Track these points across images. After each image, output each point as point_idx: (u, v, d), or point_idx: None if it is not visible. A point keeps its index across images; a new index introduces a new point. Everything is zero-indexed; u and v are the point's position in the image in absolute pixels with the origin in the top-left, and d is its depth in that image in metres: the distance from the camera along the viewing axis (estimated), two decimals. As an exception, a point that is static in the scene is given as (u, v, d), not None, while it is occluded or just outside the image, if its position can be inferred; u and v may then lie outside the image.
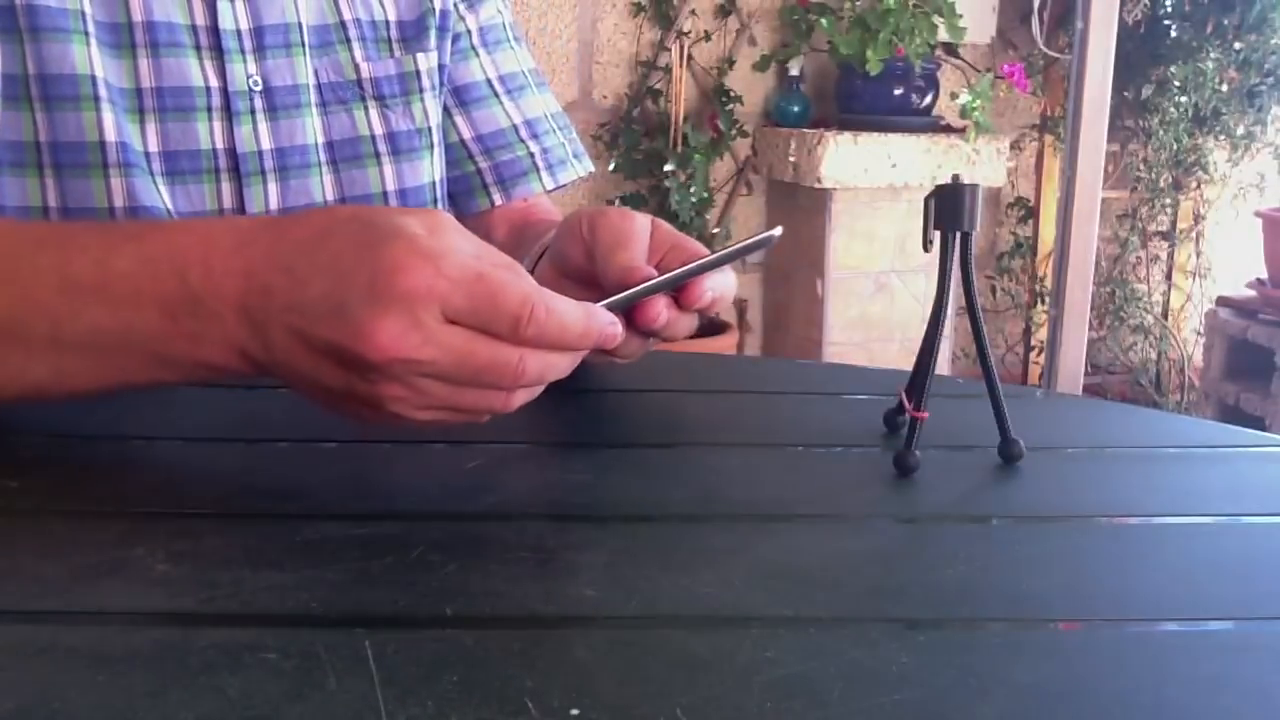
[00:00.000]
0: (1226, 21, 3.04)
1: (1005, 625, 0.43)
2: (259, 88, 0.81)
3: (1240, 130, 3.15)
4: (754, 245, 0.63)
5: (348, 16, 0.86)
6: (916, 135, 2.89)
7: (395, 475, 0.58)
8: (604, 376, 0.75)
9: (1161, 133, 3.11)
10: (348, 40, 0.86)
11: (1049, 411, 0.78)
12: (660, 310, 0.61)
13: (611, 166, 2.98)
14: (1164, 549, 0.52)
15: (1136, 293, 3.34)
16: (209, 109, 0.79)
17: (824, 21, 2.83)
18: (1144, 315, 3.34)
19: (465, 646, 0.39)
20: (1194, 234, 3.37)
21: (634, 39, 3.04)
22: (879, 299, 2.96)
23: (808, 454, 0.64)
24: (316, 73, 0.84)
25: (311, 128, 0.84)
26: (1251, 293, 3.09)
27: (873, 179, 2.85)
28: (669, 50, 3.00)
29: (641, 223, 0.65)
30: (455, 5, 0.93)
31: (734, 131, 3.00)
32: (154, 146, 0.78)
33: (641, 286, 0.60)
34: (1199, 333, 3.35)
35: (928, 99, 2.98)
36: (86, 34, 0.75)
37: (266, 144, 0.82)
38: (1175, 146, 3.14)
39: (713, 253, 0.62)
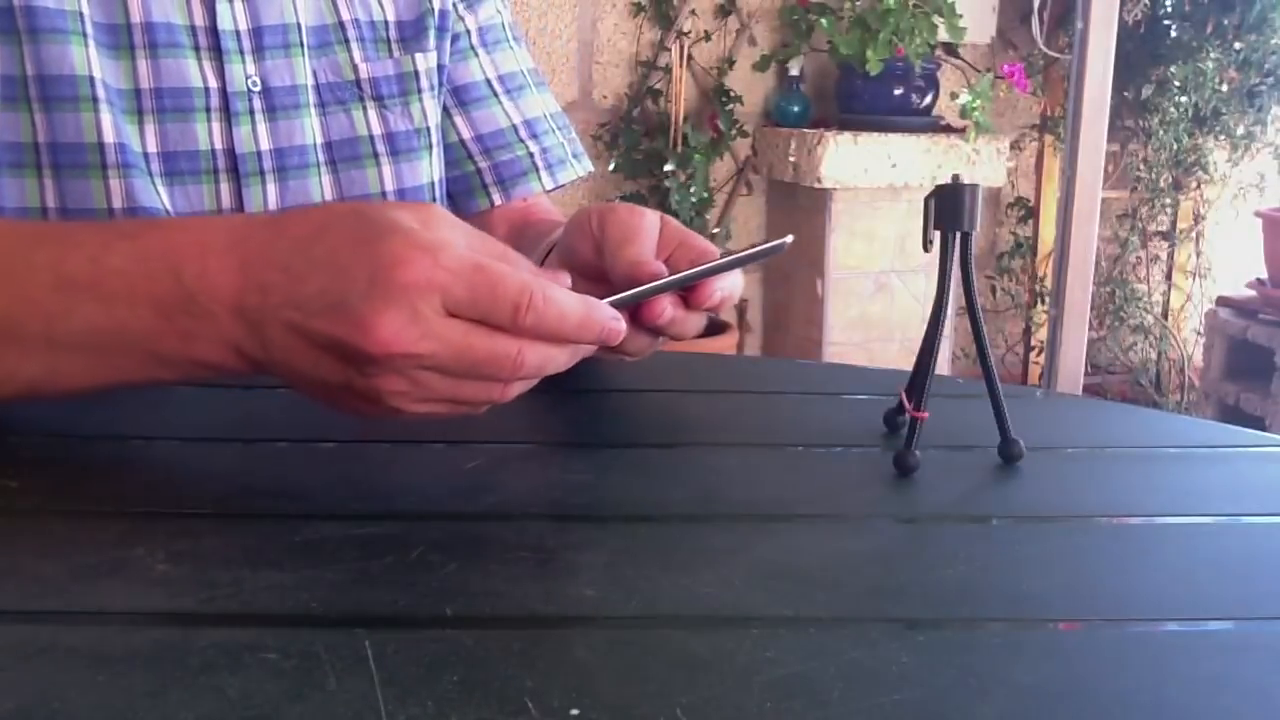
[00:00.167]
0: (1226, 21, 3.04)
1: (1005, 625, 0.43)
2: (258, 88, 0.81)
3: (1240, 130, 3.15)
4: (765, 251, 0.63)
5: (346, 17, 0.86)
6: (916, 135, 2.89)
7: (395, 475, 0.58)
8: (604, 376, 0.75)
9: (1161, 133, 3.11)
10: (346, 41, 0.86)
11: (1049, 411, 0.78)
12: (665, 307, 0.61)
13: (611, 166, 2.98)
14: (1164, 549, 0.52)
15: (1136, 293, 3.34)
16: (208, 110, 0.79)
17: (824, 21, 2.83)
18: (1144, 315, 3.34)
19: (465, 646, 0.39)
20: (1194, 234, 3.37)
21: (634, 39, 3.04)
22: (879, 299, 2.96)
23: (808, 454, 0.64)
24: (315, 73, 0.84)
25: (310, 128, 0.84)
26: (1251, 293, 3.09)
27: (873, 179, 2.85)
28: (669, 50, 3.00)
29: (651, 219, 0.65)
30: (454, 5, 0.93)
31: (734, 131, 3.01)
32: (153, 147, 0.78)
33: (650, 285, 0.60)
34: (1199, 333, 3.35)
35: (928, 99, 2.98)
36: (85, 35, 0.75)
37: (265, 144, 0.82)
38: (1175, 146, 3.14)
39: (722, 255, 0.63)
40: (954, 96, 2.97)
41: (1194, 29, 3.07)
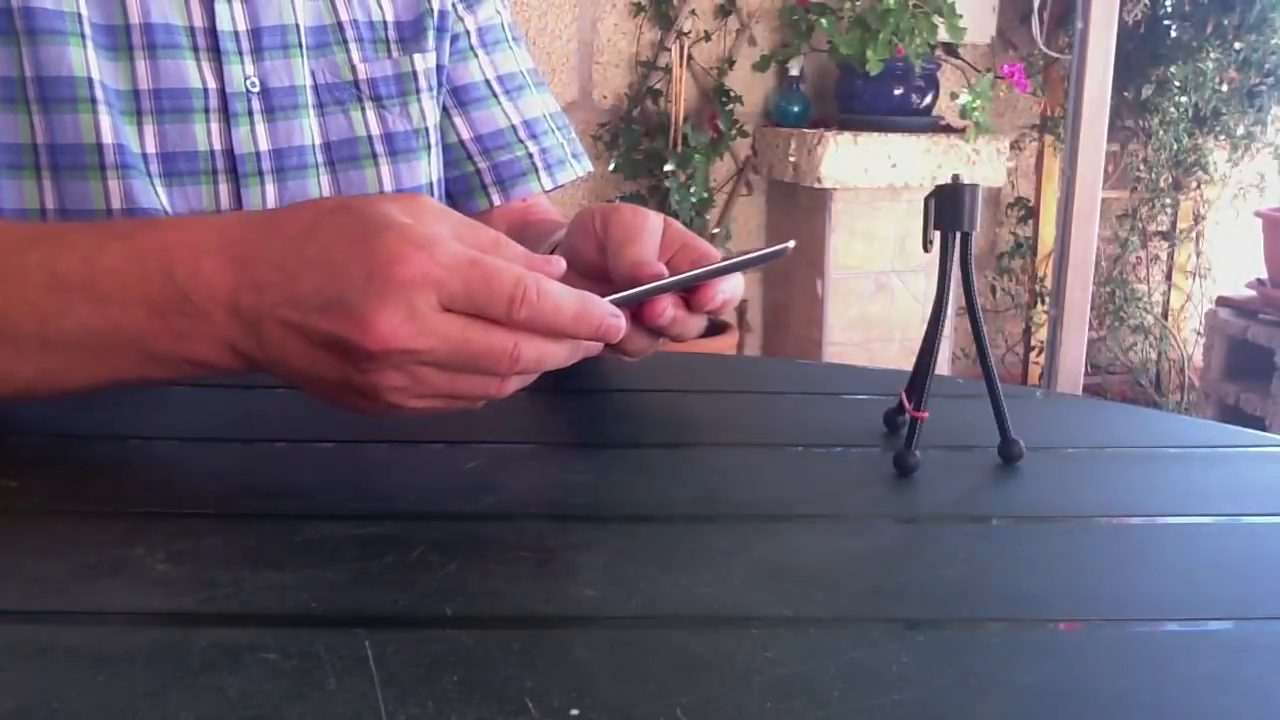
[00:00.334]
0: (1226, 21, 3.04)
1: (1005, 625, 0.43)
2: (256, 89, 0.81)
3: (1240, 130, 3.15)
4: (767, 256, 0.63)
5: (345, 17, 0.86)
6: (916, 135, 2.89)
7: (395, 475, 0.58)
8: (604, 376, 0.75)
9: (1161, 133, 3.11)
10: (345, 41, 0.86)
11: (1049, 411, 0.78)
12: (666, 308, 0.61)
13: (611, 166, 2.98)
14: (1164, 549, 0.52)
15: (1136, 293, 3.34)
16: (206, 110, 0.79)
17: (824, 21, 2.83)
18: (1144, 315, 3.34)
19: (465, 646, 0.39)
20: (1194, 234, 3.37)
21: (634, 39, 3.04)
22: (879, 299, 2.96)
23: (808, 454, 0.64)
24: (313, 74, 0.84)
25: (309, 129, 0.84)
26: (1251, 293, 3.09)
27: (873, 179, 2.85)
28: (669, 50, 3.00)
29: (654, 220, 0.66)
30: (454, 5, 0.93)
31: (734, 131, 3.00)
32: (151, 148, 0.78)
33: (652, 285, 0.60)
34: (1199, 333, 3.35)
35: (928, 99, 2.98)
36: (83, 36, 0.75)
37: (264, 145, 0.82)
38: (1175, 146, 3.14)
39: (723, 258, 0.63)
40: (954, 96, 2.97)
41: (1194, 29, 3.07)
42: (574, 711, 0.35)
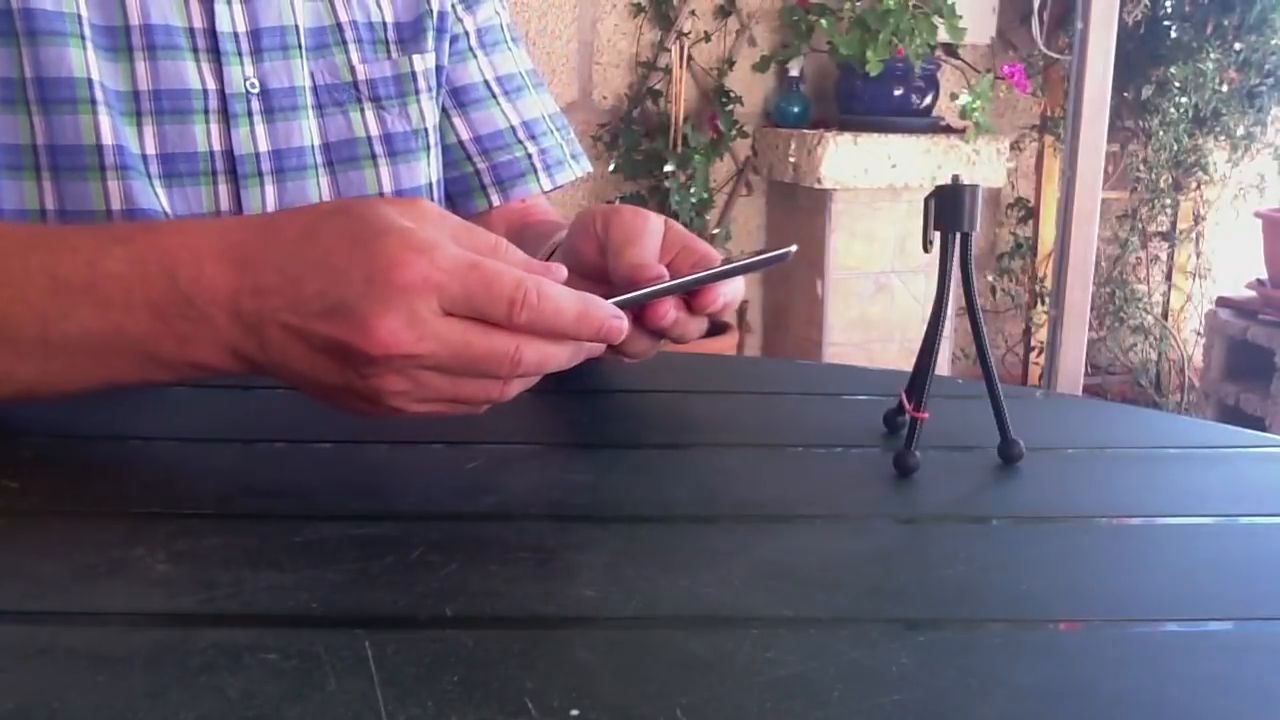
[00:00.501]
0: (1226, 22, 3.04)
1: (1005, 625, 0.43)
2: (256, 90, 0.81)
3: (1240, 131, 3.15)
4: (769, 260, 0.64)
5: (344, 18, 0.86)
6: (916, 136, 2.89)
7: (395, 475, 0.58)
8: (604, 376, 0.75)
9: (1161, 133, 3.11)
10: (344, 42, 0.86)
11: (1049, 412, 0.78)
12: (669, 310, 0.61)
13: (611, 167, 2.98)
14: (1164, 549, 0.52)
15: (1136, 293, 3.34)
16: (206, 111, 0.79)
17: (824, 22, 2.83)
18: (1144, 316, 3.34)
19: (465, 646, 0.39)
20: (1194, 234, 3.37)
21: (634, 39, 3.04)
22: (879, 299, 2.96)
23: (808, 454, 0.64)
24: (313, 75, 0.84)
25: (308, 129, 0.84)
26: (1251, 293, 3.09)
27: (873, 179, 2.85)
28: (669, 51, 3.00)
29: (655, 222, 0.66)
30: (453, 6, 0.93)
31: (734, 132, 3.01)
32: (151, 149, 0.78)
33: (654, 288, 0.61)
34: (1199, 333, 3.35)
35: (928, 99, 2.98)
36: (83, 37, 0.75)
37: (263, 146, 0.82)
38: (1175, 147, 3.14)
39: (725, 261, 0.63)
40: (954, 97, 2.97)
41: (1194, 29, 3.07)
42: (574, 711, 0.35)
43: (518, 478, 0.58)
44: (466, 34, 0.94)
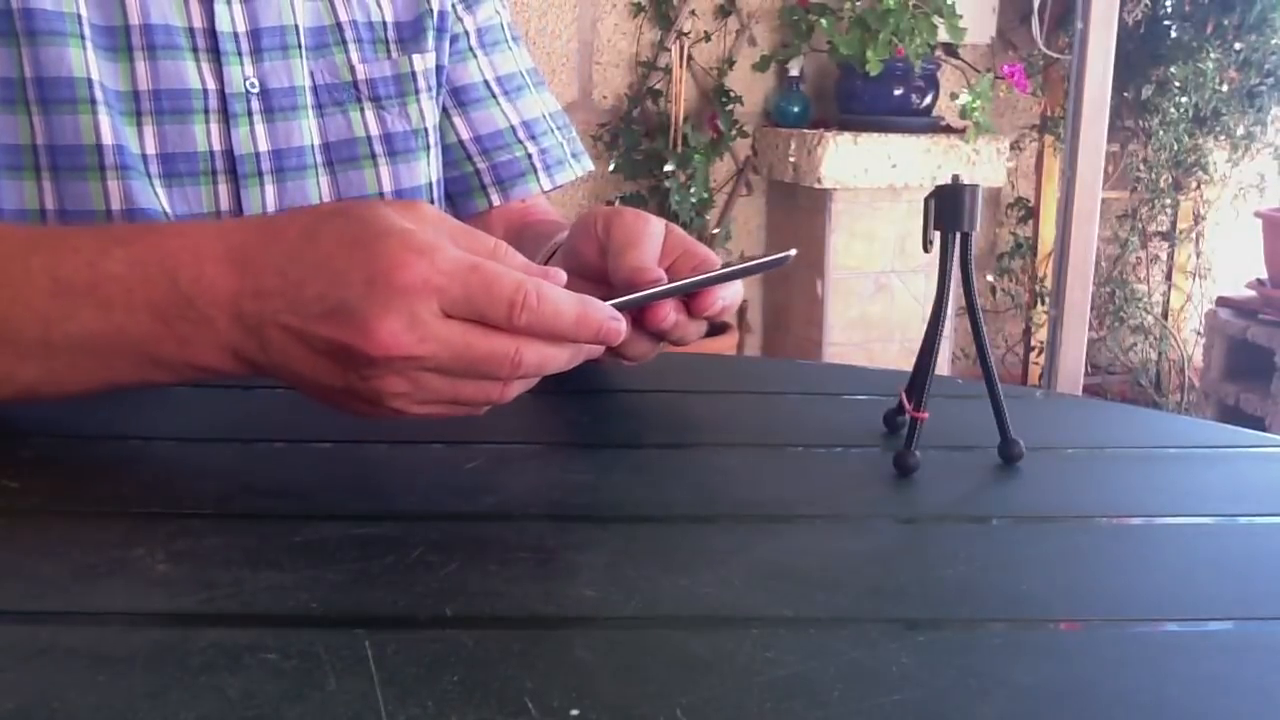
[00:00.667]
0: (1226, 22, 3.04)
1: (1005, 625, 0.43)
2: (256, 90, 0.81)
3: (1240, 130, 3.15)
4: (768, 264, 0.64)
5: (344, 18, 0.86)
6: (916, 135, 2.89)
7: (395, 475, 0.58)
8: (604, 377, 0.75)
9: (1161, 133, 3.11)
10: (344, 42, 0.86)
11: (1049, 411, 0.78)
12: (669, 313, 0.62)
13: (611, 167, 2.98)
14: (1164, 549, 0.52)
15: (1136, 293, 3.34)
16: (206, 111, 0.79)
17: (824, 22, 2.83)
18: (1144, 315, 3.34)
19: (465, 646, 0.39)
20: (1194, 234, 3.37)
21: (634, 39, 3.04)
22: (879, 299, 2.96)
23: (808, 454, 0.64)
24: (313, 74, 0.84)
25: (308, 129, 0.84)
26: (1251, 293, 3.09)
27: (873, 179, 2.85)
28: (669, 50, 3.00)
29: (655, 226, 0.66)
30: (453, 6, 0.93)
31: (734, 132, 3.01)
32: (151, 149, 0.78)
33: (653, 290, 0.61)
34: (1199, 333, 3.35)
35: (928, 99, 2.98)
36: (82, 37, 0.75)
37: (263, 146, 0.82)
38: (1175, 147, 3.14)
39: (725, 264, 0.63)
40: (954, 97, 2.97)
41: (1194, 29, 3.07)
42: (574, 711, 0.35)
43: (518, 478, 0.58)
44: (466, 34, 0.94)
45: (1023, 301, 3.33)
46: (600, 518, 0.53)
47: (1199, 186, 3.28)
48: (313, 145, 0.84)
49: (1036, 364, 3.26)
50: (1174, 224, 3.36)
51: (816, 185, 2.83)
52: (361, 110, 0.87)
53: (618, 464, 0.61)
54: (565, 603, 0.44)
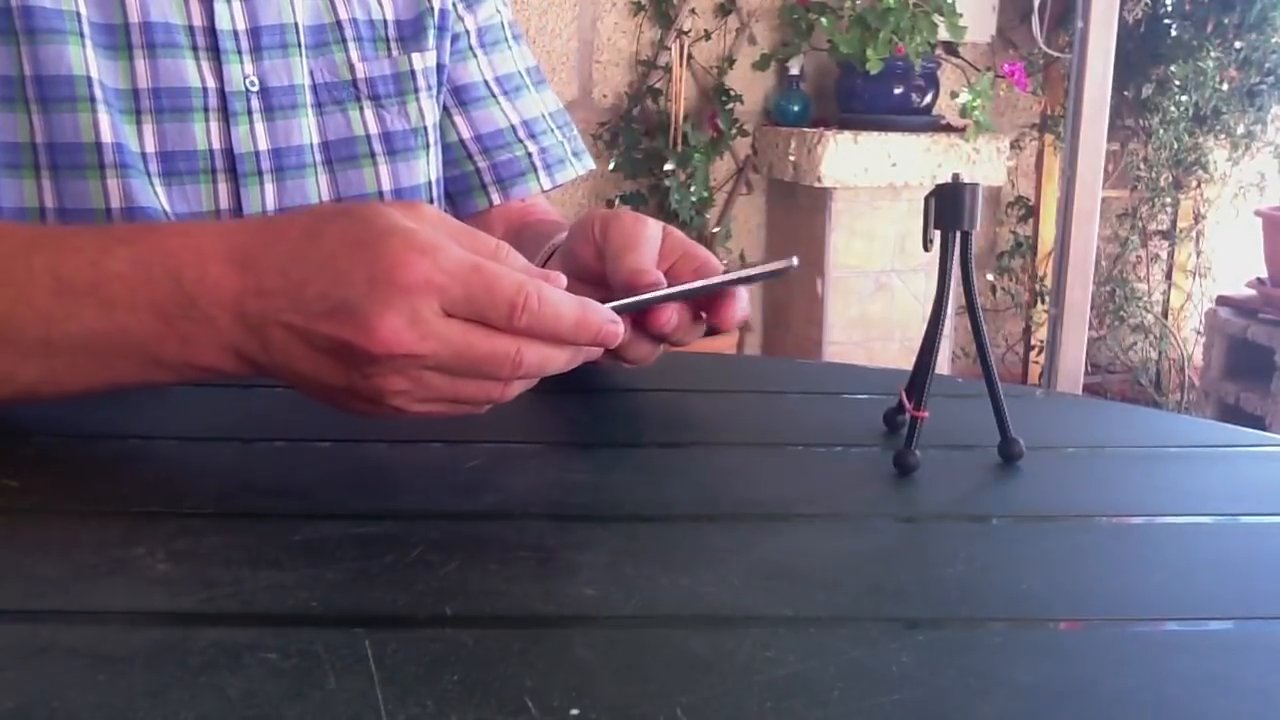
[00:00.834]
0: (1227, 21, 3.04)
1: (1005, 625, 0.43)
2: (255, 88, 0.81)
3: (1240, 129, 3.15)
4: (772, 273, 0.65)
5: (344, 16, 0.86)
6: (916, 134, 2.89)
7: (395, 475, 0.58)
8: (604, 376, 0.75)
9: (1162, 132, 3.11)
10: (343, 40, 0.86)
11: (1049, 411, 0.78)
12: (671, 316, 0.62)
13: (611, 166, 2.98)
14: (1164, 549, 0.52)
15: (1136, 292, 3.34)
16: (205, 109, 0.79)
17: (824, 20, 2.83)
18: (1144, 314, 3.34)
19: (465, 646, 0.39)
20: (1194, 233, 3.37)
21: (634, 38, 3.04)
22: (879, 298, 2.96)
23: (808, 453, 0.64)
24: (312, 73, 0.84)
25: (307, 128, 0.84)
26: (1251, 292, 3.09)
27: (873, 178, 2.85)
28: (669, 49, 3.00)
29: (653, 228, 0.66)
30: (454, 5, 0.93)
31: (734, 131, 3.01)
32: (150, 147, 0.78)
33: (652, 294, 0.61)
34: (1199, 332, 3.35)
35: (928, 98, 2.98)
36: (82, 35, 0.75)
37: (263, 144, 0.82)
38: (1175, 146, 3.14)
39: (727, 268, 0.64)
40: (954, 95, 2.97)
41: (1194, 28, 3.07)
42: (574, 711, 0.35)
43: (518, 477, 0.58)
44: (467, 33, 0.94)
45: (1023, 300, 3.33)
46: (600, 517, 0.53)
47: (1199, 185, 3.28)
48: (312, 144, 0.84)
49: (1036, 363, 3.26)
50: (1174, 223, 3.36)
51: (816, 184, 2.83)
52: (361, 109, 0.86)
53: (618, 464, 0.61)
54: (565, 602, 0.44)
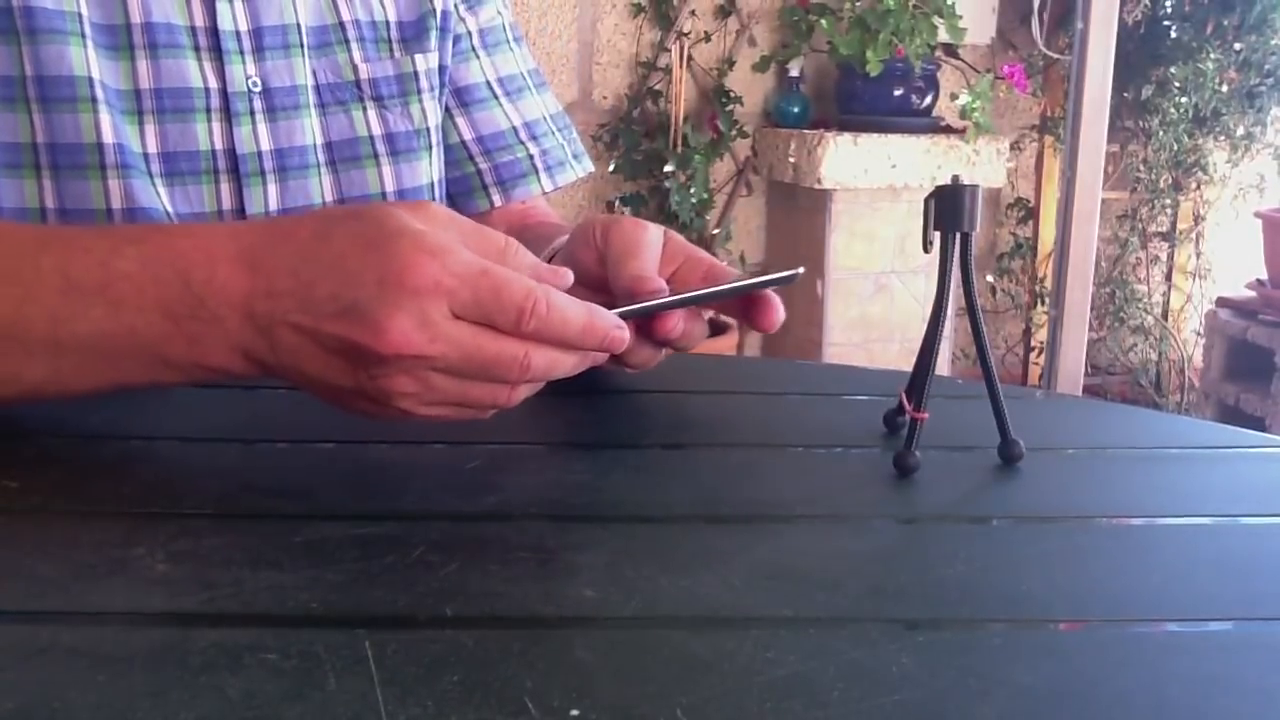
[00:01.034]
0: (1226, 22, 3.04)
1: (1005, 625, 0.43)
2: (258, 89, 0.81)
3: (1240, 131, 3.15)
4: (777, 280, 0.65)
5: (346, 17, 0.86)
6: (916, 136, 2.89)
7: (395, 475, 0.58)
8: (605, 377, 0.75)
9: (1161, 133, 3.11)
10: (346, 41, 0.86)
11: (1049, 412, 0.78)
12: (677, 323, 0.63)
13: (611, 167, 2.98)
14: (1164, 549, 0.52)
15: (1136, 293, 3.34)
16: (208, 110, 0.79)
17: (824, 22, 2.83)
18: (1144, 316, 3.34)
19: (465, 646, 0.39)
20: (1194, 234, 3.37)
21: (634, 39, 3.04)
22: (879, 299, 2.96)
23: (808, 454, 0.64)
24: (315, 73, 0.84)
25: (310, 128, 0.84)
26: (1251, 293, 3.09)
27: (873, 180, 2.85)
28: (669, 51, 3.00)
29: (654, 233, 0.67)
30: (456, 6, 0.93)
31: (734, 132, 3.01)
32: (153, 148, 0.78)
33: (657, 301, 0.62)
34: (1199, 333, 3.35)
35: (928, 100, 2.98)
36: (83, 35, 0.75)
37: (265, 145, 0.82)
38: (1175, 147, 3.14)
39: (732, 279, 0.65)
40: (954, 97, 2.97)
41: (1194, 29, 3.07)
42: (574, 711, 0.35)
43: (518, 478, 0.58)
44: (469, 34, 0.94)
45: (1023, 302, 3.33)
46: (600, 518, 0.53)
47: (1199, 187, 3.28)
48: (315, 144, 0.84)
49: (1036, 364, 3.26)
50: (1174, 224, 3.36)
51: (816, 186, 2.83)
52: (364, 110, 0.87)
53: (618, 464, 0.61)
54: (565, 603, 0.44)
